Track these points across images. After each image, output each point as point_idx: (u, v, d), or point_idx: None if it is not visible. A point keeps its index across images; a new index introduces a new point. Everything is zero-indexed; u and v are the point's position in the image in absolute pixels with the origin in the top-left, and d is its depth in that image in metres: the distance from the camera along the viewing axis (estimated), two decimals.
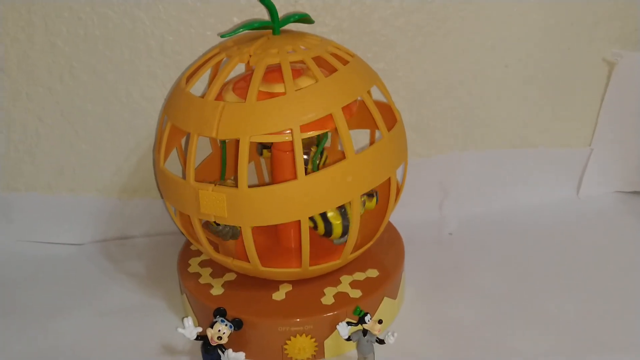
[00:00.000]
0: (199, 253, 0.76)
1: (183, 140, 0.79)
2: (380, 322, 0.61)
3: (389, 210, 0.69)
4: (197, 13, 0.79)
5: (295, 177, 0.59)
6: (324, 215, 0.67)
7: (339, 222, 0.67)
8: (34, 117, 0.83)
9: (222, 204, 0.60)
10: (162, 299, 0.77)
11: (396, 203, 0.70)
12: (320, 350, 0.66)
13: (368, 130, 0.81)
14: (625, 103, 0.87)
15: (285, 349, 0.65)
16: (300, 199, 0.60)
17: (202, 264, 0.74)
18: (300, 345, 0.65)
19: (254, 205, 0.60)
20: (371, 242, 0.70)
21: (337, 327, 0.63)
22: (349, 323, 0.63)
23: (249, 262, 0.65)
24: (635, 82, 0.85)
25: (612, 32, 0.85)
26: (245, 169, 0.59)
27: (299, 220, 0.61)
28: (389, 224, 0.78)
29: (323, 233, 0.68)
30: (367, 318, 0.62)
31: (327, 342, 0.66)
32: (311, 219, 0.68)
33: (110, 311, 0.75)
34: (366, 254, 0.73)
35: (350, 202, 0.62)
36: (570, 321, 0.70)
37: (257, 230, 0.75)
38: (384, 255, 0.74)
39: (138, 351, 0.69)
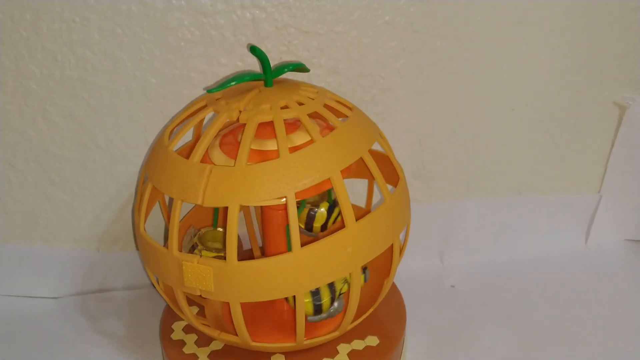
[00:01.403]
0: None
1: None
2: None
3: (391, 276, 0.63)
4: (182, 53, 0.74)
5: (285, 248, 0.54)
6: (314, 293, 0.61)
7: (328, 298, 0.61)
8: (4, 163, 0.77)
9: (209, 278, 0.54)
10: None
11: (399, 264, 0.65)
12: None
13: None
14: (636, 148, 0.82)
15: None
16: (296, 273, 0.54)
17: (187, 330, 0.68)
18: None
19: (244, 281, 0.54)
20: (372, 308, 0.65)
21: None
22: None
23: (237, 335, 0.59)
24: None
25: (624, 74, 0.80)
26: (235, 240, 0.53)
27: None
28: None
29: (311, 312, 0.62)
30: None
31: None
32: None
33: None
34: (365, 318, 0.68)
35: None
36: None
37: None
38: (384, 318, 0.68)
39: None
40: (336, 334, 0.62)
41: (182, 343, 0.66)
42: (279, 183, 0.53)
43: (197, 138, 0.68)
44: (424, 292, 0.80)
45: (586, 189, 0.85)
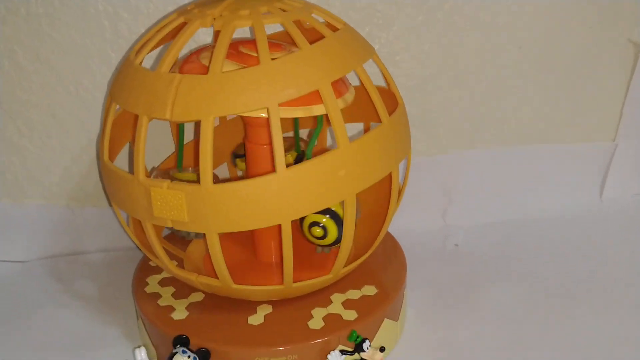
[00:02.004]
0: (159, 270, 0.63)
1: None
2: (382, 349, 0.49)
3: (390, 214, 0.56)
4: None
5: (273, 170, 0.47)
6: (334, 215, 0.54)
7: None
8: None
9: (181, 204, 0.47)
10: (117, 326, 0.64)
11: (397, 206, 0.58)
12: None
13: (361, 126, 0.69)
14: None
15: None
16: (281, 197, 0.47)
17: (163, 283, 0.61)
18: None
19: (221, 206, 0.47)
20: (368, 253, 0.58)
21: (328, 357, 0.50)
22: (342, 352, 0.50)
23: (217, 278, 0.52)
24: None
25: None
26: (210, 159, 0.46)
27: (279, 227, 0.48)
28: (387, 233, 0.66)
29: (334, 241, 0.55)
30: (365, 345, 0.49)
31: None
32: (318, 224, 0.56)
33: (54, 343, 0.62)
34: (361, 268, 0.61)
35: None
36: (593, 342, 0.58)
37: (229, 241, 0.62)
38: (382, 270, 0.62)
39: None
40: (329, 277, 0.55)
41: (157, 295, 0.59)
42: (260, 92, 0.46)
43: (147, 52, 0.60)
44: (426, 251, 0.73)
45: (600, 136, 0.79)
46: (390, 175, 0.53)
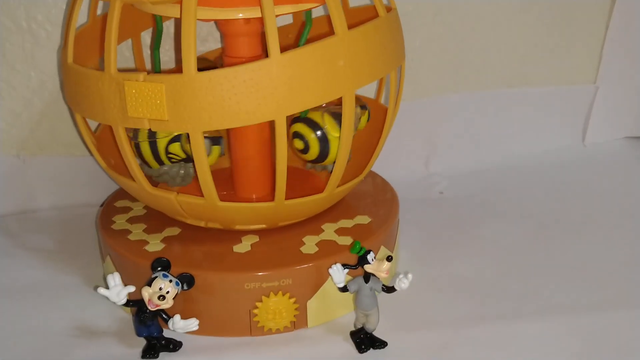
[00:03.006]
0: (126, 210, 0.56)
1: None
2: (389, 258, 0.44)
3: (388, 119, 0.52)
4: None
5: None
6: (316, 127, 0.50)
7: (338, 135, 0.50)
8: None
9: (160, 99, 0.41)
10: (75, 274, 0.57)
11: (396, 112, 0.54)
12: (301, 316, 0.48)
13: None
14: (632, 31, 0.74)
15: (255, 315, 0.47)
16: (275, 87, 0.42)
17: (132, 220, 0.54)
18: (276, 308, 0.47)
19: (207, 99, 0.41)
20: (367, 170, 0.53)
21: (330, 270, 0.45)
22: (345, 266, 0.45)
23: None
24: None
25: None
26: (193, 43, 0.41)
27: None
28: (373, 174, 0.62)
29: (315, 157, 0.51)
30: (369, 257, 0.44)
31: (311, 304, 0.48)
32: (300, 136, 0.51)
33: (11, 291, 0.55)
34: (352, 201, 0.56)
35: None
36: (578, 270, 0.56)
37: None
38: (373, 203, 0.57)
39: (49, 335, 0.49)
40: (324, 195, 0.50)
41: (127, 232, 0.52)
42: None
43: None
44: (411, 199, 0.69)
45: (581, 79, 0.77)
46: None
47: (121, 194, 0.58)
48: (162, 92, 0.41)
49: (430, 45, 0.72)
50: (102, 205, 0.58)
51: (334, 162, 0.48)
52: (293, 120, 0.55)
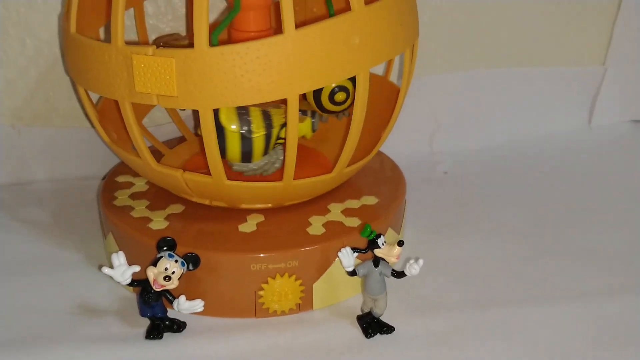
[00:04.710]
0: (128, 185, 0.55)
1: None
2: (400, 243, 0.43)
3: (400, 99, 0.51)
4: None
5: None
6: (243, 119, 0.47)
7: (261, 133, 0.47)
8: None
9: (170, 74, 0.40)
10: (75, 250, 0.55)
11: (406, 93, 0.52)
12: (307, 298, 0.47)
13: None
14: None
15: (260, 296, 0.46)
16: (289, 63, 0.40)
17: (134, 197, 0.53)
18: (281, 290, 0.46)
19: (219, 74, 0.40)
20: (376, 149, 0.52)
21: (339, 255, 0.44)
22: (354, 249, 0.44)
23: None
24: None
25: None
26: (206, 15, 0.39)
27: None
28: (378, 152, 0.60)
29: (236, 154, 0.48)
30: (380, 241, 0.43)
31: (317, 286, 0.47)
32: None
33: (8, 266, 0.53)
34: (358, 181, 0.55)
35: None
36: (586, 255, 0.56)
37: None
38: (380, 183, 0.56)
39: (49, 313, 0.48)
40: (332, 175, 0.48)
41: (130, 208, 0.51)
42: None
43: None
44: (415, 178, 0.67)
45: (590, 60, 0.75)
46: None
47: (122, 168, 0.57)
48: (172, 67, 0.40)
49: (439, 20, 0.70)
50: (103, 179, 0.57)
51: None
52: None
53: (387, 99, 0.55)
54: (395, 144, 0.68)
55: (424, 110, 0.73)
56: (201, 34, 0.39)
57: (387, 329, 0.45)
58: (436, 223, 0.61)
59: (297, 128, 0.43)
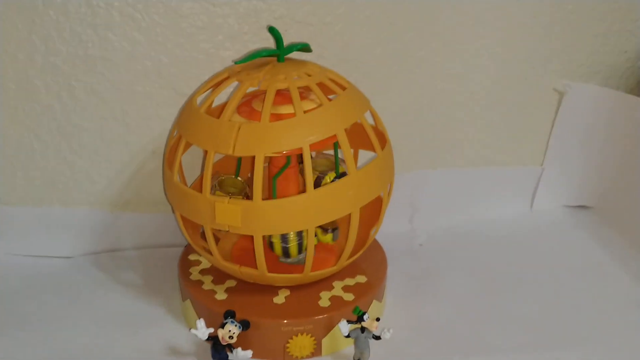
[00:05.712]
0: (197, 262, 0.81)
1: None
2: (377, 319, 0.69)
3: (380, 219, 0.76)
4: (192, 37, 0.85)
5: (299, 191, 0.66)
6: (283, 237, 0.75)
7: (295, 243, 0.75)
8: (29, 132, 0.86)
9: (237, 215, 0.66)
10: (160, 306, 0.81)
11: (384, 211, 0.78)
12: (318, 348, 0.73)
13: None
14: (572, 127, 0.98)
15: (287, 347, 0.72)
16: (308, 210, 0.66)
17: (203, 272, 0.79)
18: (301, 344, 0.71)
19: (266, 217, 0.66)
20: (364, 248, 0.78)
21: (339, 325, 0.70)
22: (349, 321, 0.70)
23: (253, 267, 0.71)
24: (581, 109, 0.97)
25: (563, 66, 0.96)
26: (260, 183, 0.65)
27: None
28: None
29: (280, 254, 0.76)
30: (365, 317, 0.69)
31: (325, 341, 0.73)
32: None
33: (111, 319, 0.79)
34: (353, 263, 0.80)
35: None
36: (530, 318, 0.80)
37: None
38: (368, 263, 0.81)
39: (145, 354, 0.73)
40: (335, 268, 0.74)
41: (201, 282, 0.77)
42: (296, 137, 0.65)
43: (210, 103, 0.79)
44: (397, 250, 0.93)
45: (531, 162, 1.01)
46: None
47: (190, 249, 0.83)
48: (239, 211, 0.66)
49: (415, 134, 0.95)
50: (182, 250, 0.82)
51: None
52: None
53: (373, 206, 0.81)
54: (383, 223, 0.94)
55: (404, 198, 0.97)
56: (258, 192, 0.65)
57: None
58: (409, 289, 0.84)
59: (313, 244, 0.69)
